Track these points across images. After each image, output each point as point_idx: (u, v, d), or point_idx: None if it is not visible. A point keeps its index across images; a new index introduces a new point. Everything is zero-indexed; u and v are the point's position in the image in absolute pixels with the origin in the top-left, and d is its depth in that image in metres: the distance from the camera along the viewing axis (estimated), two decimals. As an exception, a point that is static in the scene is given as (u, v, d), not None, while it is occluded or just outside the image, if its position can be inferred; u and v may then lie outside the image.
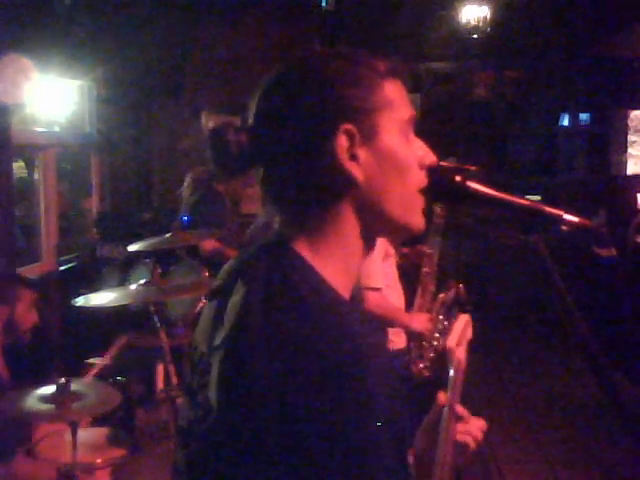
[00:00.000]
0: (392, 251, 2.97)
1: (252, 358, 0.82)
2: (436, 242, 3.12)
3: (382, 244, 2.82)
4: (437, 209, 3.04)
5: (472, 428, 1.20)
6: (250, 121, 0.98)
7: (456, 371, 1.17)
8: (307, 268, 0.91)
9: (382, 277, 2.82)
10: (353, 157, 0.93)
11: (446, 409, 1.15)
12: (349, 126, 0.92)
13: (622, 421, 1.04)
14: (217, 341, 0.89)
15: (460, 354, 1.17)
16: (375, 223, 0.97)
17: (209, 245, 4.25)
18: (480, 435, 1.21)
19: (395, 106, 0.96)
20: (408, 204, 0.98)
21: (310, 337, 0.82)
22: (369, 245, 0.99)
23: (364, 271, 2.63)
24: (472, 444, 1.19)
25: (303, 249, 0.93)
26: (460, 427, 1.18)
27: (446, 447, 1.13)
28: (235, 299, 0.90)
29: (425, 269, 3.14)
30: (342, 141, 0.92)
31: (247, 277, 0.91)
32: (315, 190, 0.93)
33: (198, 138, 5.76)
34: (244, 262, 0.96)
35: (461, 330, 1.20)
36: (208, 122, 5.61)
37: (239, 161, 0.96)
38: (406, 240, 3.16)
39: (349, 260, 0.96)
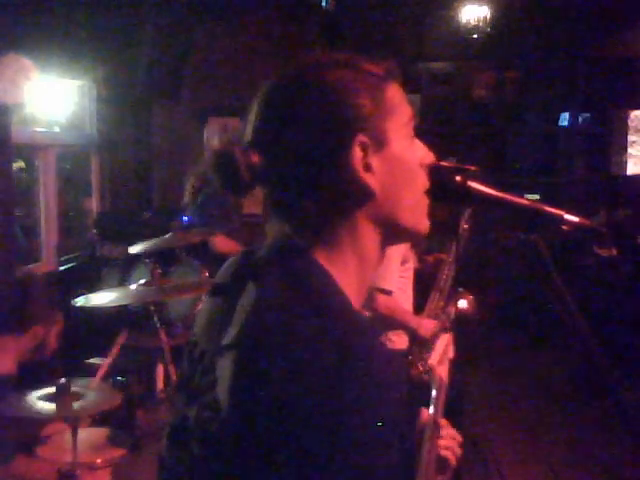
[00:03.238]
0: (410, 256, 2.95)
1: (267, 359, 0.81)
2: (458, 252, 3.09)
3: (401, 249, 2.80)
4: (463, 221, 3.01)
5: (453, 444, 1.24)
6: (249, 135, 0.96)
7: (438, 389, 1.18)
8: (325, 274, 0.90)
9: (396, 281, 2.80)
10: (367, 167, 0.92)
11: (429, 426, 1.16)
12: (362, 137, 0.91)
13: (622, 421, 1.05)
14: (226, 341, 0.87)
15: (442, 372, 1.19)
16: (389, 231, 0.96)
17: (224, 246, 4.21)
18: (460, 451, 1.25)
19: (398, 109, 0.96)
20: (417, 209, 0.98)
21: (324, 341, 0.81)
22: (382, 254, 0.98)
23: (379, 272, 2.61)
24: (453, 460, 1.24)
25: (320, 257, 0.92)
26: (442, 443, 1.21)
27: (429, 462, 1.15)
28: (246, 300, 0.88)
29: (443, 276, 3.13)
30: (357, 153, 0.91)
31: (260, 279, 0.90)
32: (331, 204, 0.92)
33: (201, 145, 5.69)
34: (253, 264, 0.95)
35: (443, 349, 1.21)
36: (212, 140, 5.43)
37: (248, 181, 0.93)
38: (420, 245, 3.17)
39: (364, 270, 0.96)
